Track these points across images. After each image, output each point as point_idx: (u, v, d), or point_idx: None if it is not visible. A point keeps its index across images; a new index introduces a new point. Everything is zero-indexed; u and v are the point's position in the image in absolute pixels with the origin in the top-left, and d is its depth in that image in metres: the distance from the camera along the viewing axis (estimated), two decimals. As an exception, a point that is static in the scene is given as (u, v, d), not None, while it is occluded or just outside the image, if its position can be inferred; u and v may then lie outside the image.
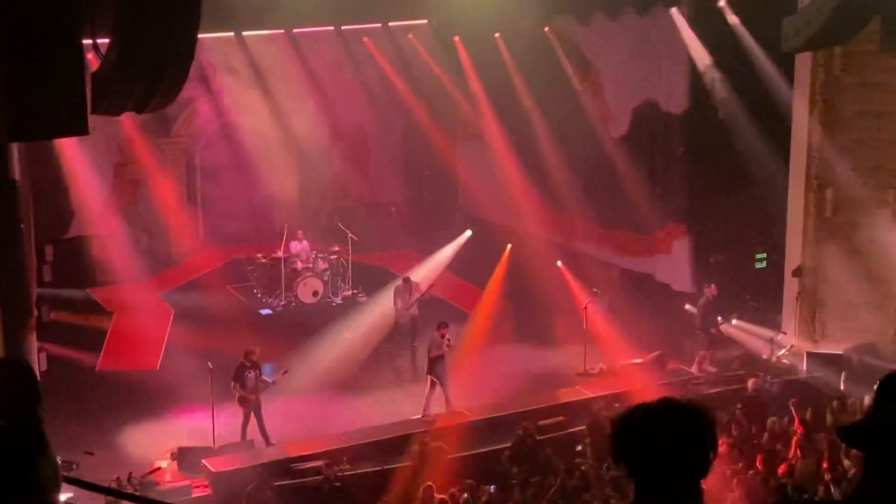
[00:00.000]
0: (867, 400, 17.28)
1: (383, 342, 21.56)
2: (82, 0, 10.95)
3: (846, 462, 14.95)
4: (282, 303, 22.90)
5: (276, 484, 16.22)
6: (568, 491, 15.26)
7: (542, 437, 17.84)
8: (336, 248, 23.73)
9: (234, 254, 24.57)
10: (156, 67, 12.37)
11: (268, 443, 17.62)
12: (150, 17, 11.88)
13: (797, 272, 21.09)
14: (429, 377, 18.60)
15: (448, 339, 18.71)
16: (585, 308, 20.78)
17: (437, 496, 15.22)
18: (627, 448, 3.15)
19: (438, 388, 18.54)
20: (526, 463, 16.63)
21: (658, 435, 3.10)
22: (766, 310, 22.33)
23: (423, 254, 24.04)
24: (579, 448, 17.24)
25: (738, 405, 17.96)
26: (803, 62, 20.46)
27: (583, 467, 16.03)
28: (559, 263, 22.62)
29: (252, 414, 17.61)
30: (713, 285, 20.78)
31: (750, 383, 18.71)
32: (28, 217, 18.98)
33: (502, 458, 17.00)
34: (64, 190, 21.99)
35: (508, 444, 17.30)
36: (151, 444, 17.73)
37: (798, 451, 15.77)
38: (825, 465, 15.07)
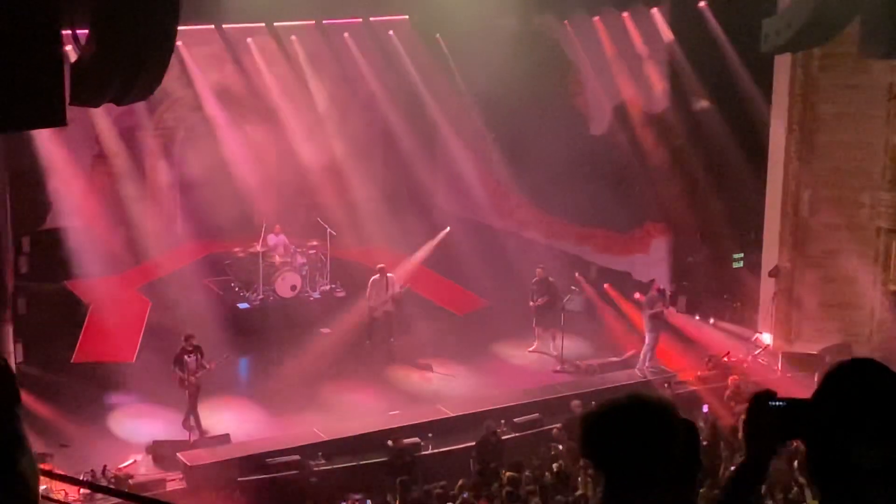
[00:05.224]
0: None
1: (361, 337, 21.57)
2: (62, -9, 10.91)
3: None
4: (259, 297, 22.83)
5: (250, 478, 16.22)
6: (544, 487, 15.29)
7: (517, 434, 17.92)
8: (314, 243, 23.68)
9: (211, 247, 24.48)
10: (135, 59, 12.35)
11: (198, 429, 17.89)
12: (130, 9, 11.86)
13: (774, 272, 21.18)
14: (648, 334, 20.32)
15: (661, 294, 20.72)
16: (563, 306, 20.89)
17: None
18: (596, 443, 3.19)
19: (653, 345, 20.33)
20: (492, 461, 16.67)
21: (625, 430, 3.14)
22: (743, 309, 22.44)
23: (401, 250, 24.02)
24: (560, 447, 17.24)
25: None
26: (782, 63, 20.55)
27: (559, 462, 16.10)
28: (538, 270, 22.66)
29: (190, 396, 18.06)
30: (541, 268, 21.81)
31: (730, 381, 18.87)
32: (5, 209, 18.96)
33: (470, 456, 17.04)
34: (41, 182, 21.85)
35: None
36: (127, 436, 17.71)
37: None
38: (795, 468, 15.10)
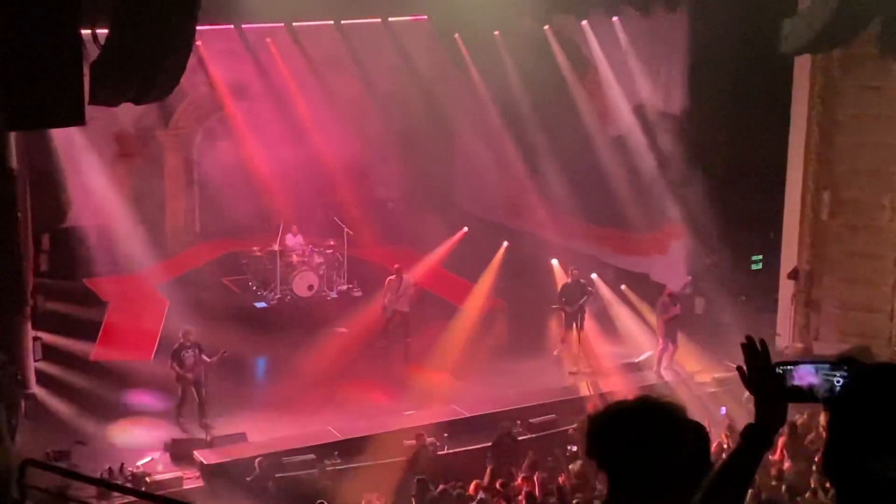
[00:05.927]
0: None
1: (377, 337, 21.59)
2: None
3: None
4: (277, 296, 22.87)
5: (266, 477, 16.25)
6: (561, 487, 15.28)
7: (533, 435, 17.90)
8: (332, 243, 23.72)
9: (229, 246, 24.55)
10: (154, 59, 12.40)
11: (203, 424, 17.96)
12: (149, 10, 11.90)
13: (792, 274, 21.10)
14: (662, 339, 20.42)
15: (672, 300, 20.60)
16: (580, 306, 20.86)
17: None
18: (600, 443, 3.18)
19: (670, 349, 20.45)
20: (506, 462, 16.66)
21: (630, 431, 3.13)
22: (761, 311, 22.32)
23: (418, 250, 24.04)
24: (576, 448, 17.22)
25: None
26: (802, 64, 20.45)
27: (578, 463, 16.07)
28: (554, 262, 22.68)
29: (193, 392, 18.15)
30: (576, 270, 21.53)
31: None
32: (25, 206, 19.04)
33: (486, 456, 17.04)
34: (61, 180, 21.98)
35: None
36: (144, 434, 17.76)
37: (783, 454, 15.74)
38: (814, 470, 15.04)
